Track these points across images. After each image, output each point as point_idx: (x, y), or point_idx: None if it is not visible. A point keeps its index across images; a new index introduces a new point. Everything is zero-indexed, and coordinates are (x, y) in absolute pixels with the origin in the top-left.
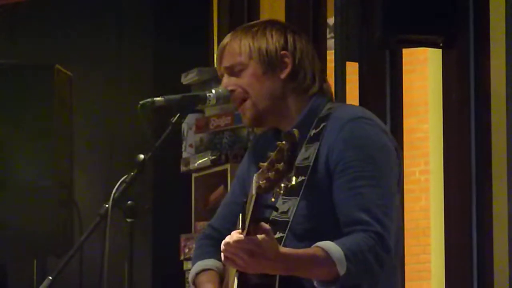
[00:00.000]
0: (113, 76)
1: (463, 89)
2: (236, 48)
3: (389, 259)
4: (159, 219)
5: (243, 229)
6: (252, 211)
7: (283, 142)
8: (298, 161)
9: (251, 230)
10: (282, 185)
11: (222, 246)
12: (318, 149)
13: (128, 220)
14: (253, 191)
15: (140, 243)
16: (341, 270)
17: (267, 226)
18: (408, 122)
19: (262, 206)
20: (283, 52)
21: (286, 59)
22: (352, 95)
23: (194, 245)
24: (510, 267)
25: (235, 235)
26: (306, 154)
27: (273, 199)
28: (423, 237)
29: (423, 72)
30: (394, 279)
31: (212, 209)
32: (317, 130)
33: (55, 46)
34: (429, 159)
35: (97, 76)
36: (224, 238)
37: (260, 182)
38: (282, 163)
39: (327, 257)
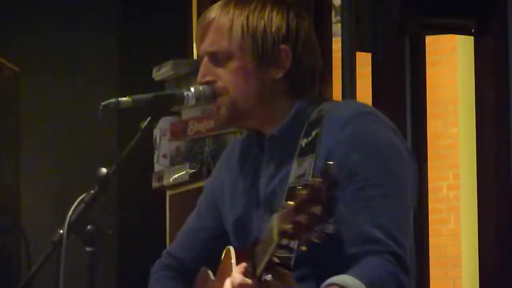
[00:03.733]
0: (68, 72)
1: (501, 85)
2: (224, 27)
3: (409, 282)
4: (126, 247)
5: (253, 275)
6: (269, 258)
7: (318, 179)
8: (292, 180)
9: (263, 277)
10: (316, 230)
11: None
12: (315, 163)
13: (88, 249)
14: (275, 237)
15: (102, 276)
16: None
17: (285, 271)
18: (433, 126)
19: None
20: (282, 46)
21: (284, 56)
22: (364, 93)
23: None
24: None
25: (238, 278)
26: (301, 171)
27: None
28: (453, 268)
29: (451, 64)
30: None
31: None
32: (309, 139)
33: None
34: (459, 171)
35: (48, 72)
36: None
37: (286, 226)
38: (319, 206)
39: None
